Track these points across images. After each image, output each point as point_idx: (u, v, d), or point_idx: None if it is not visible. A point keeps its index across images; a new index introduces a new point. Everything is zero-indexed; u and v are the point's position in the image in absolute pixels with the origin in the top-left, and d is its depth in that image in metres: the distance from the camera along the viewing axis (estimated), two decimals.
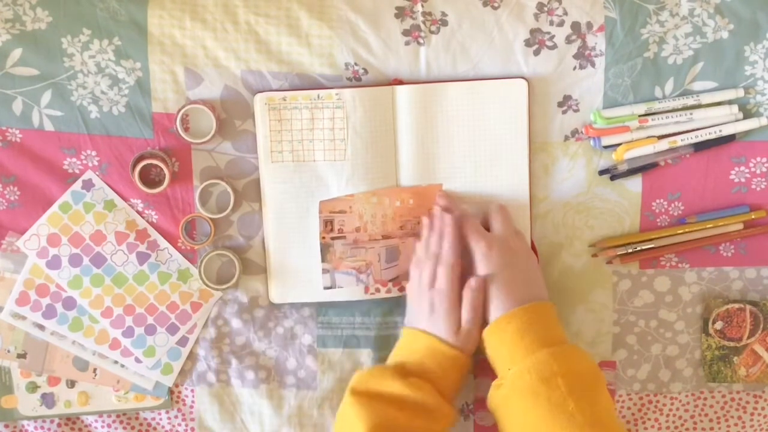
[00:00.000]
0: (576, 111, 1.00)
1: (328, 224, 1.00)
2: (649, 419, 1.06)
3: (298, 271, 1.02)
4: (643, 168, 1.01)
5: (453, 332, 0.92)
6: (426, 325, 0.94)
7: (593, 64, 0.99)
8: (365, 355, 1.04)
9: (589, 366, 0.90)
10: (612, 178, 1.01)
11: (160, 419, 1.05)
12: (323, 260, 1.01)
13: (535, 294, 0.94)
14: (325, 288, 1.01)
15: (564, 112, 1.00)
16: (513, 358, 0.89)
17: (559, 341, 0.91)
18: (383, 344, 1.04)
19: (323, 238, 1.00)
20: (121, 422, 1.05)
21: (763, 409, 1.06)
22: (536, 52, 0.99)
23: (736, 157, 1.01)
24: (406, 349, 0.95)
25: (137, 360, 1.03)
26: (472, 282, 0.92)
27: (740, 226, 1.02)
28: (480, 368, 1.04)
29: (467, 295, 0.92)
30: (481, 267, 0.94)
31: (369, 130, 0.99)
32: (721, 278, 1.03)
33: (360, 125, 0.99)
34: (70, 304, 1.02)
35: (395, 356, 0.96)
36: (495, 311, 0.92)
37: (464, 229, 0.97)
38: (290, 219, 1.01)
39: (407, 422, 0.88)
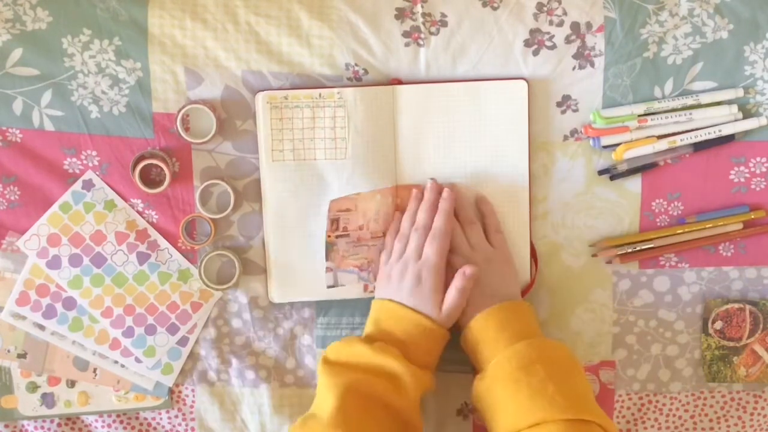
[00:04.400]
0: (575, 111, 1.00)
1: (334, 223, 1.00)
2: (648, 419, 1.06)
3: (298, 270, 1.02)
4: (643, 168, 1.01)
5: (438, 308, 0.92)
6: (407, 298, 0.93)
7: (592, 64, 0.99)
8: None
9: (565, 354, 0.91)
10: (611, 178, 1.01)
11: (160, 419, 1.05)
12: (327, 259, 1.01)
13: (510, 293, 0.96)
14: (329, 287, 1.01)
15: (563, 112, 1.00)
16: (493, 352, 0.90)
17: (537, 335, 0.93)
18: None
19: (329, 236, 1.00)
20: (121, 422, 1.05)
21: (763, 409, 1.06)
22: (535, 53, 0.99)
23: (735, 157, 1.01)
24: (384, 322, 0.93)
25: (137, 360, 1.03)
26: (467, 269, 0.92)
27: (740, 226, 1.02)
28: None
29: (460, 280, 0.92)
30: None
31: (370, 129, 0.99)
32: (720, 278, 1.03)
33: (361, 124, 0.99)
34: (70, 304, 1.02)
35: (368, 328, 0.95)
36: (473, 310, 0.93)
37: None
38: (290, 217, 1.01)
39: (376, 385, 0.89)
